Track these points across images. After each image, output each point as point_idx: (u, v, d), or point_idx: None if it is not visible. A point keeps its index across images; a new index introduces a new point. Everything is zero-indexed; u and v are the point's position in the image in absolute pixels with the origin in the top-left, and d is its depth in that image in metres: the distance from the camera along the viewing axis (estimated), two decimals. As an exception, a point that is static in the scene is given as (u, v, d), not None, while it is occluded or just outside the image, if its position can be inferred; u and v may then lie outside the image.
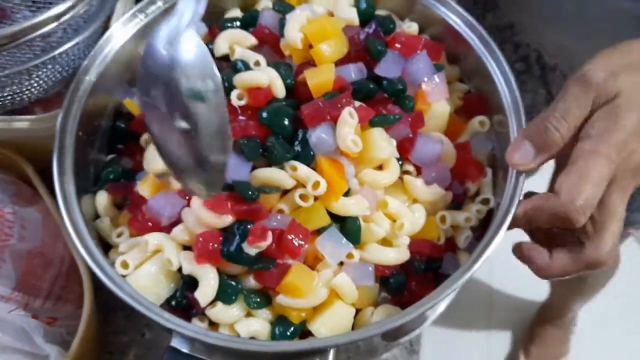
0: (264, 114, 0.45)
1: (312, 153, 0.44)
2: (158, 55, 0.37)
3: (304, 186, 0.43)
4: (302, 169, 0.43)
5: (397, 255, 0.45)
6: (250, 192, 0.42)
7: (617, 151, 0.39)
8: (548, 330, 1.37)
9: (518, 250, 0.43)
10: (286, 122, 0.45)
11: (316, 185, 0.43)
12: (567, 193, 0.39)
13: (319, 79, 0.46)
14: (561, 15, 0.61)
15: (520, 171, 0.43)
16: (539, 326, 1.38)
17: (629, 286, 1.32)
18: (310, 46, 0.48)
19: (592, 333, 1.40)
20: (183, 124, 0.37)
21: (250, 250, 0.41)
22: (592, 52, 0.42)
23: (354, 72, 0.48)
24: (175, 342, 0.40)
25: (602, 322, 1.38)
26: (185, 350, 0.40)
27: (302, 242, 0.42)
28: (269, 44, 0.51)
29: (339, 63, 0.49)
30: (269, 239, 0.41)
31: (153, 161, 0.47)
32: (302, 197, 0.43)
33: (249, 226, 0.42)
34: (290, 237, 0.41)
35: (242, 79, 0.46)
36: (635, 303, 1.41)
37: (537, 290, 1.42)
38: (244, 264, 0.42)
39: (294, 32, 0.48)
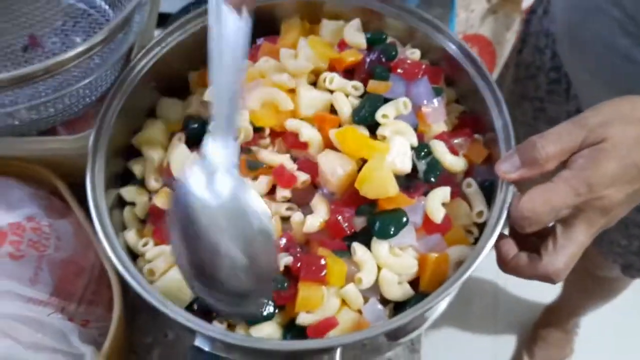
0: None
1: None
2: (193, 200, 0.39)
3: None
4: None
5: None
6: None
7: (588, 189, 0.43)
8: (552, 332, 1.39)
9: (498, 237, 0.47)
10: None
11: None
12: (525, 201, 0.44)
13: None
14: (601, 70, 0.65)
15: (506, 180, 0.47)
16: (543, 328, 1.41)
17: (634, 286, 1.34)
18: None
19: (596, 335, 1.42)
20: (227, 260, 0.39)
21: None
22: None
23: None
24: (198, 342, 0.44)
25: (605, 325, 1.41)
26: (206, 348, 0.44)
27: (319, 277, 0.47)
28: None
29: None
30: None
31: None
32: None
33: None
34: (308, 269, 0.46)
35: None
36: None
37: (542, 292, 1.45)
38: None
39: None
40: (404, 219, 0.48)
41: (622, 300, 1.21)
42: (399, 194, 0.48)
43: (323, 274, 0.47)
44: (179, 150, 0.53)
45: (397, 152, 0.49)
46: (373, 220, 0.48)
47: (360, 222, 0.49)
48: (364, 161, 0.49)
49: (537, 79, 0.79)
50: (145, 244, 0.51)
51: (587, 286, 1.19)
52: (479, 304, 1.49)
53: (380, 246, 0.48)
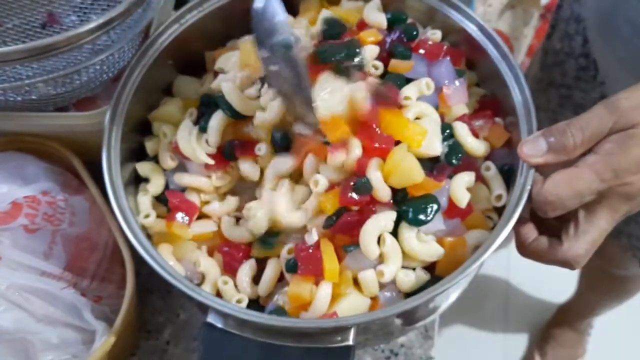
0: None
1: None
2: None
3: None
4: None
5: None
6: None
7: (613, 175, 0.42)
8: (565, 331, 1.38)
9: (517, 221, 0.46)
10: None
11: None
12: (549, 185, 0.43)
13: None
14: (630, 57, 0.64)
15: (529, 163, 0.46)
16: (556, 327, 1.39)
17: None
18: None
19: (609, 336, 1.40)
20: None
21: None
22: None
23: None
24: (211, 318, 0.44)
25: (619, 325, 1.39)
26: (219, 325, 0.44)
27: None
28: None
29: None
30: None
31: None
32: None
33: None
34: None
35: None
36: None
37: (554, 292, 1.43)
38: None
39: None
40: (437, 204, 0.47)
41: (636, 300, 1.19)
42: (425, 179, 0.47)
43: (319, 270, 0.46)
44: (184, 126, 0.53)
45: (427, 137, 0.48)
46: (406, 208, 0.47)
47: None
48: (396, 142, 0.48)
49: (565, 65, 0.78)
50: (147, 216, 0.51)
51: (602, 285, 1.17)
52: (490, 302, 1.48)
53: (409, 232, 0.47)
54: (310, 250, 0.46)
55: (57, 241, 0.52)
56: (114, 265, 0.56)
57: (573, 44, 0.76)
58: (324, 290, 0.46)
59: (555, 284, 1.36)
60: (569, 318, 1.38)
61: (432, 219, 0.47)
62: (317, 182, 0.47)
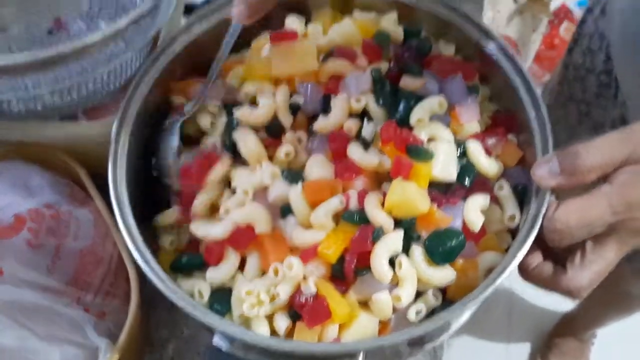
0: None
1: None
2: None
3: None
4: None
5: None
6: None
7: (626, 208, 0.40)
8: (568, 341, 1.37)
9: None
10: None
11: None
12: (560, 213, 0.41)
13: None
14: None
15: (542, 186, 0.44)
16: (559, 336, 1.39)
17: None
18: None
19: (612, 346, 1.40)
20: None
21: None
22: None
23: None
24: (217, 340, 0.43)
25: (622, 335, 1.37)
26: (224, 348, 0.43)
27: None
28: None
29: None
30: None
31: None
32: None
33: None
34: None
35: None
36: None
37: (558, 301, 1.41)
38: None
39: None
40: (461, 237, 0.46)
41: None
42: (431, 212, 0.46)
43: (327, 316, 0.45)
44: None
45: (443, 161, 0.47)
46: (430, 245, 0.46)
47: None
48: None
49: (586, 81, 0.76)
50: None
51: (609, 301, 1.16)
52: (493, 310, 1.47)
53: (421, 256, 0.46)
54: (312, 300, 0.45)
55: (60, 255, 0.51)
56: (119, 280, 0.55)
57: (595, 61, 0.74)
58: (332, 330, 0.45)
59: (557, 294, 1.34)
60: (573, 328, 1.37)
61: (457, 255, 0.46)
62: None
